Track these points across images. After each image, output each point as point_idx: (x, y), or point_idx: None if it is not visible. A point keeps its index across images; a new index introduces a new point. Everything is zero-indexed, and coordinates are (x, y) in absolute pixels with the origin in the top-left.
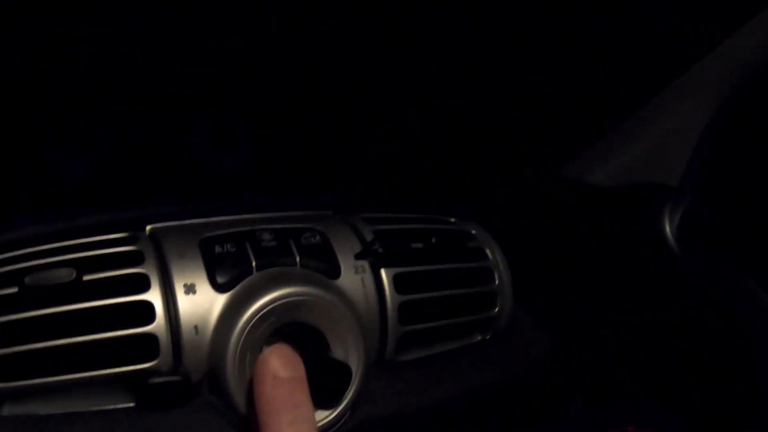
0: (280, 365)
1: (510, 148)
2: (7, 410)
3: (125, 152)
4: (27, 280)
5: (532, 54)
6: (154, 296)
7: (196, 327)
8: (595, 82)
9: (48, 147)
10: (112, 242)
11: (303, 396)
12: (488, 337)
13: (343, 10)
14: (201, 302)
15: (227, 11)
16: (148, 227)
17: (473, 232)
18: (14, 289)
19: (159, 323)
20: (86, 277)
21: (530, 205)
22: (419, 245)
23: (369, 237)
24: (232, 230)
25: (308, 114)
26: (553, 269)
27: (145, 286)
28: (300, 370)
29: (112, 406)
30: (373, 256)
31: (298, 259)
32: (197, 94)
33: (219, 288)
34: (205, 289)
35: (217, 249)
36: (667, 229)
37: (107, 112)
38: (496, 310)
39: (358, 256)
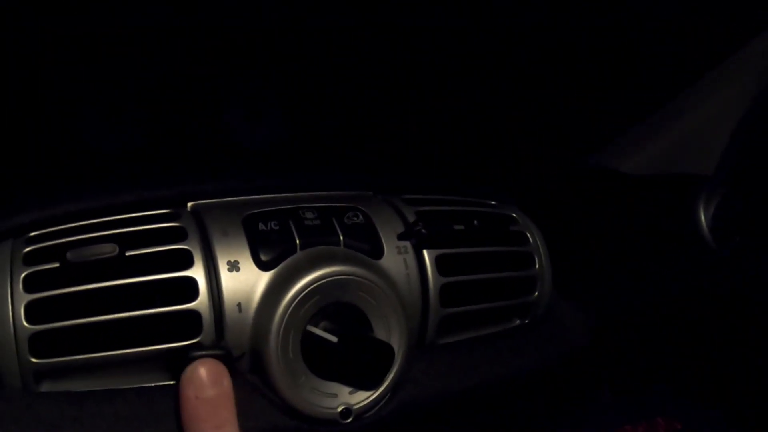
0: (206, 383)
1: (546, 136)
2: (46, 387)
3: (160, 127)
4: (69, 255)
5: (568, 41)
6: (197, 273)
7: (239, 305)
8: (631, 71)
9: (84, 122)
10: (154, 218)
11: (227, 414)
12: (527, 321)
13: None
14: (244, 280)
15: None
16: (190, 204)
17: (514, 215)
18: (55, 264)
19: (202, 300)
20: (129, 253)
21: (565, 192)
22: (461, 227)
23: (411, 218)
24: (275, 208)
25: (345, 92)
26: (586, 256)
27: (188, 263)
28: (226, 385)
29: (151, 384)
30: (416, 237)
31: (341, 238)
32: (233, 69)
33: (263, 266)
34: (248, 267)
35: (261, 226)
36: (702, 220)
37: (143, 86)
38: (536, 294)
39: (401, 237)
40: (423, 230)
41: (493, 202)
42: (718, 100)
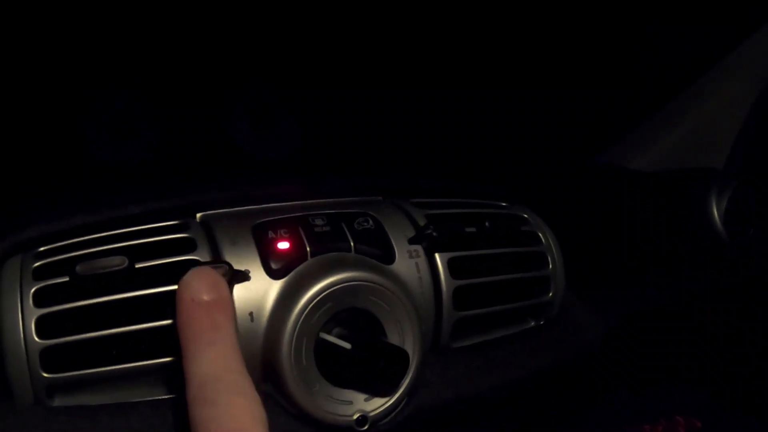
0: (202, 289)
1: (554, 135)
2: (59, 401)
3: (168, 139)
4: (78, 268)
5: (572, 37)
6: None
7: (251, 314)
8: (636, 65)
9: (91, 134)
10: (163, 230)
11: (224, 318)
12: (541, 322)
13: None
14: (255, 289)
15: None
16: (199, 214)
17: (525, 216)
18: (65, 278)
19: None
20: (138, 265)
21: (575, 191)
22: (473, 230)
23: (422, 222)
24: (284, 216)
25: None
26: (599, 255)
27: None
28: (223, 292)
29: (164, 396)
30: (428, 241)
31: (352, 244)
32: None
33: (273, 274)
34: (259, 276)
35: (270, 235)
36: (715, 213)
37: (149, 98)
38: (550, 295)
39: (412, 241)
40: (434, 233)
41: (503, 203)
42: (726, 93)
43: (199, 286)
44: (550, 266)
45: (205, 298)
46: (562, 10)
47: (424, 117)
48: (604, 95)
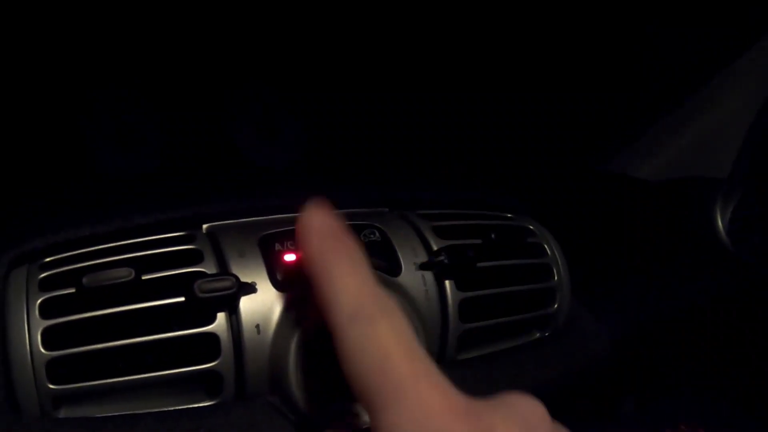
0: (322, 221)
1: (557, 143)
2: (65, 412)
3: (172, 148)
4: (85, 280)
5: (572, 37)
6: None
7: (257, 326)
8: (640, 73)
9: (96, 145)
10: (169, 241)
11: (352, 244)
12: (547, 334)
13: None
14: (262, 301)
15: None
16: (205, 226)
17: (531, 227)
18: (72, 290)
19: (220, 323)
20: (145, 277)
21: (580, 199)
22: (478, 241)
23: (428, 233)
24: (291, 228)
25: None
26: (604, 265)
27: None
28: (342, 222)
29: (171, 408)
30: (438, 268)
31: None
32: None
33: (280, 286)
34: (266, 288)
35: (277, 247)
36: (719, 222)
37: (154, 107)
38: (555, 306)
39: (423, 267)
40: (445, 260)
41: (509, 215)
42: (731, 100)
43: (324, 218)
44: (556, 278)
45: (327, 228)
46: (562, 10)
47: (427, 118)
48: (604, 95)
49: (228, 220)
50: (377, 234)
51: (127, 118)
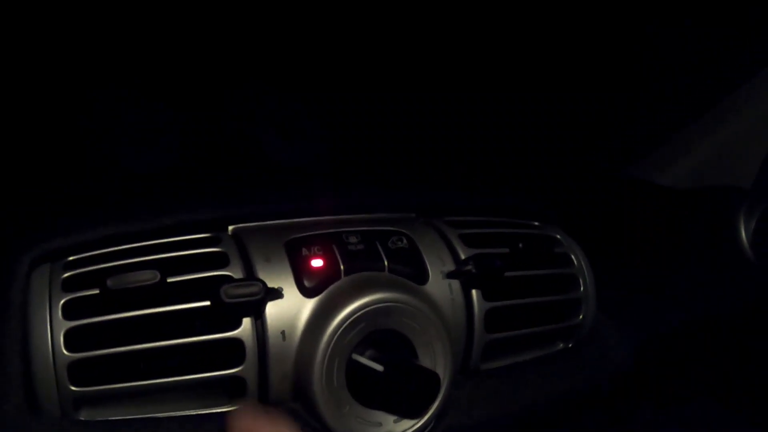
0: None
1: (582, 150)
2: (86, 415)
3: (195, 147)
4: (109, 282)
5: (571, 37)
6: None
7: (283, 332)
8: (666, 82)
9: (119, 143)
10: (195, 243)
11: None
12: (570, 345)
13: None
14: (288, 307)
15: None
16: (231, 227)
17: (558, 237)
18: (95, 291)
19: (245, 328)
20: (170, 279)
21: (604, 208)
22: (505, 250)
23: (455, 241)
24: (318, 232)
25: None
26: (628, 274)
27: None
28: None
29: (193, 412)
30: (466, 277)
31: (386, 263)
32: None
33: (306, 292)
34: (292, 294)
35: (304, 252)
36: (743, 233)
37: (176, 106)
38: (581, 317)
39: (450, 276)
40: (473, 270)
41: (536, 223)
42: (755, 110)
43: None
44: (582, 288)
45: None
46: (562, 11)
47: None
48: (605, 96)
49: (254, 222)
50: (405, 241)
51: (141, 116)
